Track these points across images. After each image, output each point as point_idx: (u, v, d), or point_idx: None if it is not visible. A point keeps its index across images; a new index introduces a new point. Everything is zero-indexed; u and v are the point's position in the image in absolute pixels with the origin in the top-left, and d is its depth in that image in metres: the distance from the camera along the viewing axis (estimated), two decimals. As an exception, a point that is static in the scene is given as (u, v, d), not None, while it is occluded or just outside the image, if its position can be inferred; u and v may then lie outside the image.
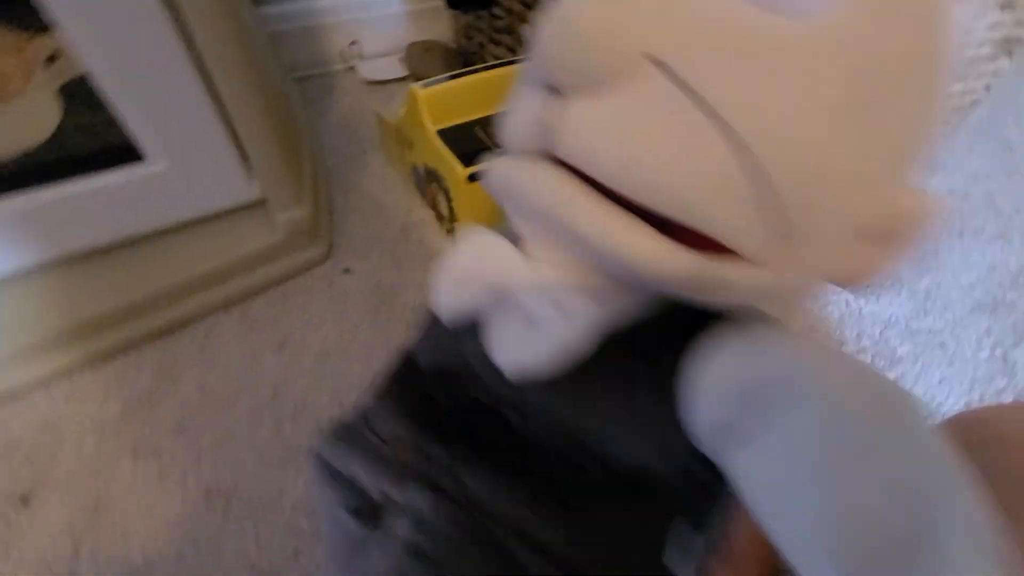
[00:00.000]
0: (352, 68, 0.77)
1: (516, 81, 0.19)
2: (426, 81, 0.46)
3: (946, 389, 0.43)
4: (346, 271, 0.50)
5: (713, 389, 0.17)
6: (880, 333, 0.47)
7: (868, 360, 0.45)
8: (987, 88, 0.64)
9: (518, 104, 0.18)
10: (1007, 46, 0.59)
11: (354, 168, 0.62)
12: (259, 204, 0.47)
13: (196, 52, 0.36)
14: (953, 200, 0.60)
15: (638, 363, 0.19)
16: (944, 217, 0.18)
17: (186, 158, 0.41)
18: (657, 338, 0.19)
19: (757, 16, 0.14)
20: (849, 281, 0.18)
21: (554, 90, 0.16)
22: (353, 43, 0.76)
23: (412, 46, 0.77)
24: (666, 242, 0.16)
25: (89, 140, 0.38)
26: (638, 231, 0.16)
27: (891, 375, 0.44)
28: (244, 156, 0.43)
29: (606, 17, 0.14)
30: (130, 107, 0.37)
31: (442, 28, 0.79)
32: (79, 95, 0.36)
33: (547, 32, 0.15)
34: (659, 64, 0.14)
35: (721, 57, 0.14)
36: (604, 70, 0.15)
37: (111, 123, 0.37)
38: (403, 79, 0.75)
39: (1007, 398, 0.43)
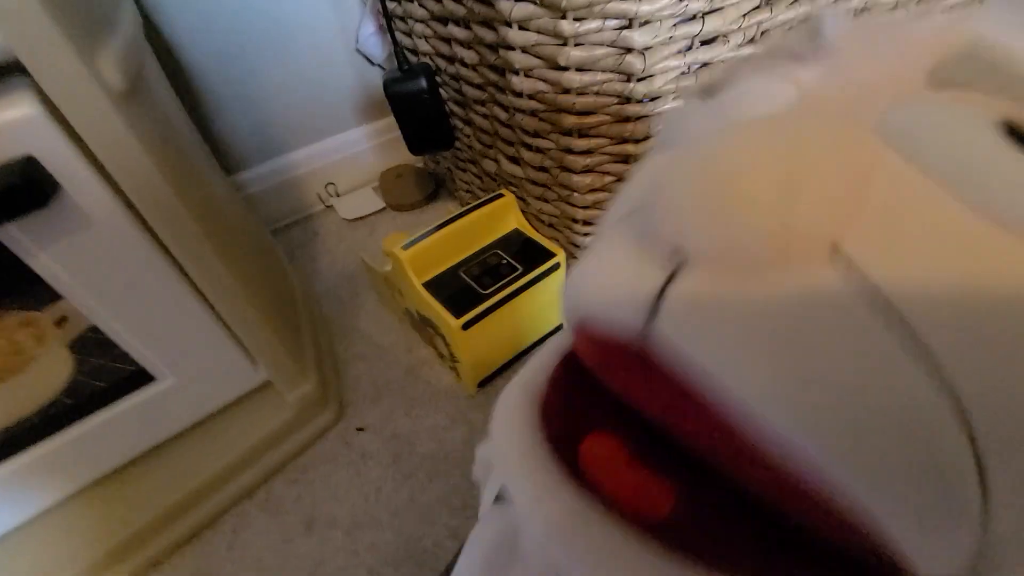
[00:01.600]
0: (331, 207, 0.80)
1: (611, 215, 0.15)
2: (407, 241, 0.48)
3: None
4: (360, 430, 0.51)
5: None
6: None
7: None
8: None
9: (611, 251, 0.13)
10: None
11: (350, 310, 0.64)
12: (266, 385, 0.48)
13: (180, 270, 0.38)
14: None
15: None
16: None
17: (191, 367, 0.43)
18: None
19: (991, 229, 0.10)
20: None
21: (675, 253, 0.11)
22: (329, 184, 0.80)
23: (385, 174, 0.82)
24: None
25: (103, 378, 0.40)
26: None
27: None
28: (243, 348, 0.45)
29: (794, 183, 0.10)
30: (136, 341, 0.39)
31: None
32: (88, 342, 0.38)
33: (702, 191, 0.11)
34: (847, 263, 0.10)
35: (942, 278, 0.10)
36: (771, 257, 0.10)
37: (121, 358, 0.39)
38: (381, 210, 0.78)
39: None
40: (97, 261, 0.34)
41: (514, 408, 0.14)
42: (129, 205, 0.33)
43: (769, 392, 0.10)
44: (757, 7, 0.37)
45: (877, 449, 0.09)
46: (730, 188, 0.10)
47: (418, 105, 0.53)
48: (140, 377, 0.41)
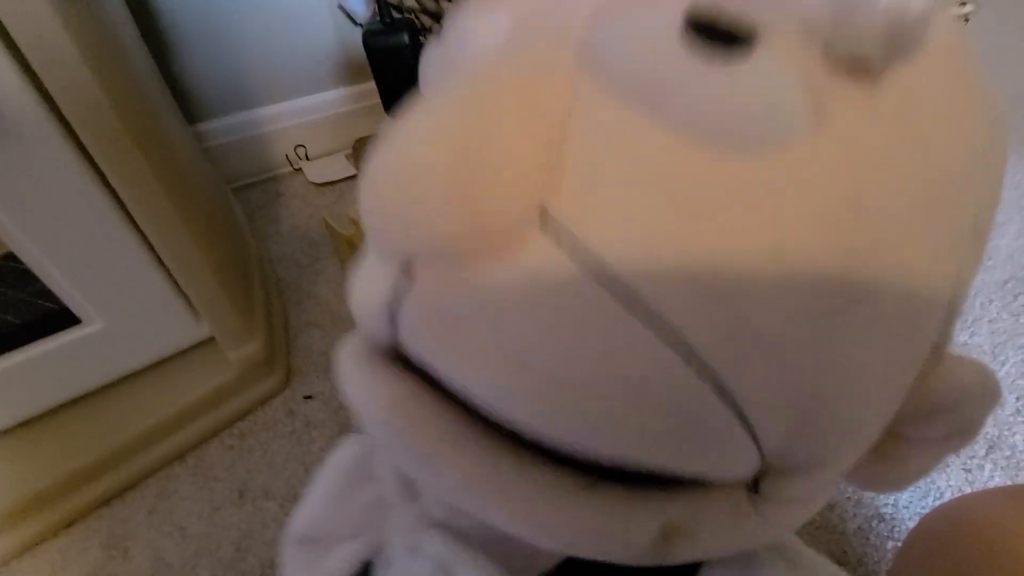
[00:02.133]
0: (299, 170, 0.77)
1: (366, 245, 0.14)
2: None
3: (922, 447, 0.44)
4: (307, 398, 0.48)
5: None
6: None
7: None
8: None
9: (363, 277, 0.12)
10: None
11: (308, 276, 0.61)
12: (209, 341, 0.45)
13: (120, 205, 0.34)
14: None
15: None
16: (999, 398, 0.13)
17: (124, 313, 0.39)
18: None
19: (706, 159, 0.09)
20: (885, 488, 0.14)
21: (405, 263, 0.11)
22: (299, 146, 0.76)
23: (359, 142, 0.78)
24: (608, 498, 0.11)
25: (20, 314, 0.36)
26: (566, 493, 0.11)
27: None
28: (186, 298, 0.41)
29: (472, 158, 0.09)
30: (59, 275, 0.35)
31: (386, 122, 0.81)
32: (4, 271, 0.35)
33: (378, 192, 0.09)
34: (556, 230, 0.09)
35: (653, 211, 0.09)
36: (467, 252, 0.09)
37: (42, 294, 0.35)
38: (351, 177, 0.75)
39: (981, 449, 0.43)
40: (18, 176, 0.30)
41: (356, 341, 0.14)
42: (61, 118, 0.30)
43: (514, 401, 0.10)
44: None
45: (639, 427, 0.09)
46: (405, 183, 0.09)
47: (398, 62, 0.51)
48: (63, 318, 0.37)
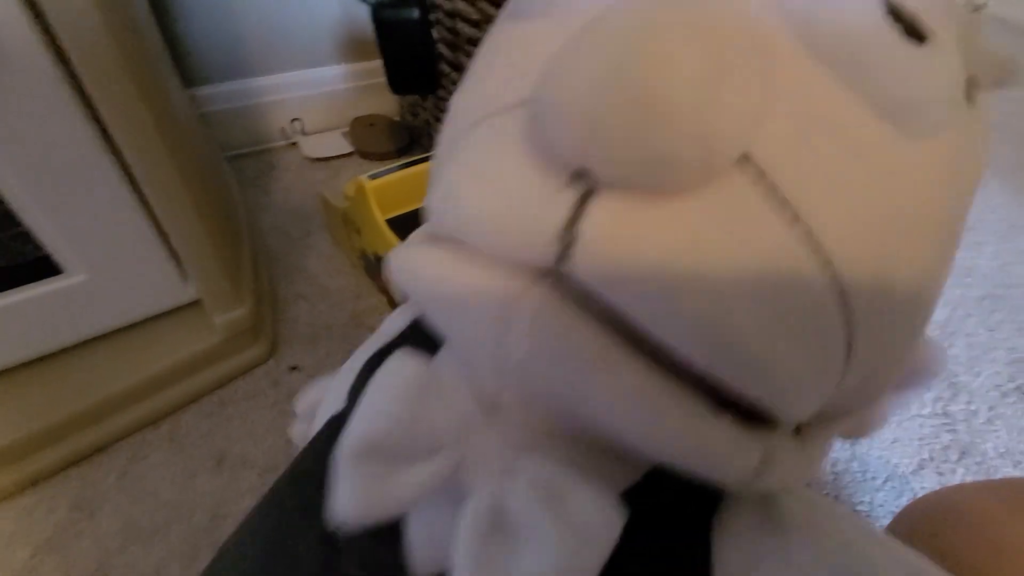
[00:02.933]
0: (294, 144, 0.75)
1: (479, 111, 0.13)
2: (374, 172, 0.45)
3: (899, 450, 0.45)
4: (293, 369, 0.47)
5: None
6: (832, 396, 0.48)
7: (825, 426, 0.46)
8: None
9: (505, 174, 0.11)
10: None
11: (299, 250, 0.60)
12: (194, 304, 0.43)
13: (115, 151, 0.33)
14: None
15: (625, 562, 0.13)
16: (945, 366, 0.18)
17: (109, 266, 0.38)
18: (639, 521, 0.13)
19: (879, 126, 0.11)
20: (857, 433, 0.17)
21: (581, 179, 0.10)
22: (295, 120, 0.75)
23: (357, 121, 0.77)
24: (725, 424, 0.11)
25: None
26: (694, 409, 0.11)
27: (848, 441, 0.45)
28: (175, 257, 0.40)
29: (707, 101, 0.09)
30: (45, 220, 0.34)
31: (387, 103, 0.80)
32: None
33: (611, 99, 0.09)
34: (757, 171, 0.10)
35: (837, 174, 0.10)
36: (690, 179, 0.10)
37: (22, 238, 0.34)
38: (348, 155, 0.74)
39: (953, 455, 0.45)
40: (8, 109, 0.29)
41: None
42: (59, 50, 0.29)
43: (693, 328, 0.10)
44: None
45: (788, 353, 0.10)
46: (647, 96, 0.09)
47: (407, 37, 0.50)
48: (44, 266, 0.36)
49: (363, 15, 0.73)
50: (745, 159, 0.10)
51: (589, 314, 0.11)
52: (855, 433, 0.16)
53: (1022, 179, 0.80)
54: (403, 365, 0.14)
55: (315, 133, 0.76)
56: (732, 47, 0.09)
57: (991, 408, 0.48)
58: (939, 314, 0.57)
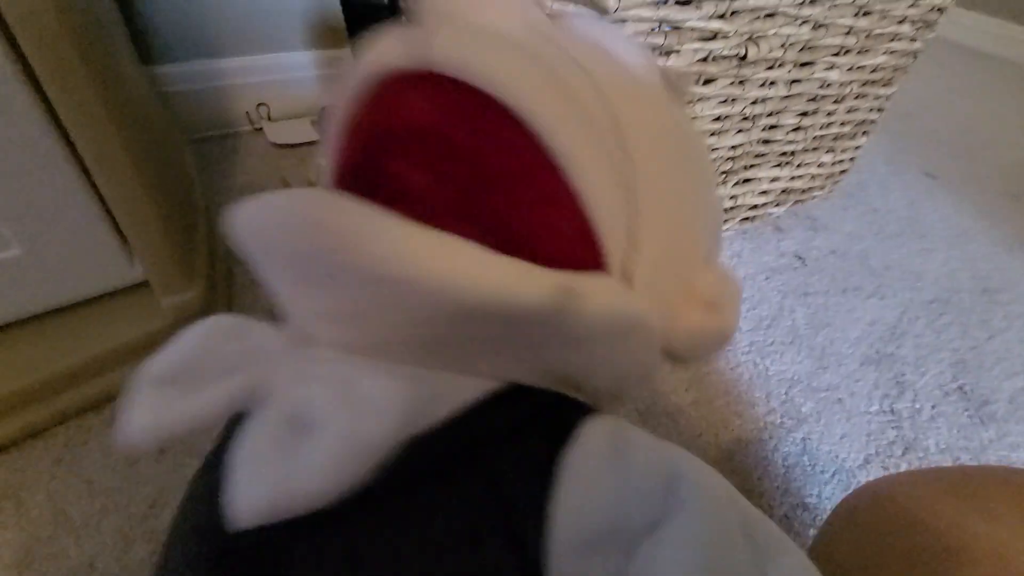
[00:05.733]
0: (260, 130, 0.73)
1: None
2: (335, 155, 0.44)
3: (847, 445, 0.46)
4: (246, 355, 0.46)
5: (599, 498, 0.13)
6: (786, 392, 0.50)
7: (778, 422, 0.47)
8: (852, 159, 0.73)
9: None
10: (863, 127, 0.68)
11: (260, 237, 0.58)
12: (143, 286, 0.42)
13: (56, 121, 0.32)
14: (836, 259, 0.66)
15: (467, 481, 0.13)
16: (742, 298, 0.20)
17: (47, 241, 0.36)
18: (484, 439, 0.14)
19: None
20: (680, 349, 0.19)
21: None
22: (261, 105, 0.73)
23: (326, 109, 0.76)
24: (510, 261, 0.13)
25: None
26: (469, 249, 0.13)
27: (799, 435, 0.46)
28: (121, 236, 0.38)
29: None
30: (-28, 188, 0.32)
31: (357, 92, 0.78)
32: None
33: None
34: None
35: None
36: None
37: (-54, 206, 0.32)
38: (314, 143, 0.72)
39: (898, 450, 0.46)
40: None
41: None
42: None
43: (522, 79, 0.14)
44: (732, -19, 0.37)
45: (584, 123, 0.15)
46: None
47: (375, 20, 0.50)
48: (-27, 238, 0.34)
49: (335, 2, 0.71)
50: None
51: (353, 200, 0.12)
52: (674, 349, 0.19)
53: (969, 190, 0.84)
54: (214, 318, 0.15)
55: (282, 119, 0.75)
56: None
57: (934, 406, 0.50)
58: (889, 316, 0.59)
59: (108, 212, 0.37)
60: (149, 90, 0.57)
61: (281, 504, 0.11)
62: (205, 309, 0.44)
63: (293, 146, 0.71)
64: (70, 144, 0.33)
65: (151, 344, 0.41)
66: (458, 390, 0.14)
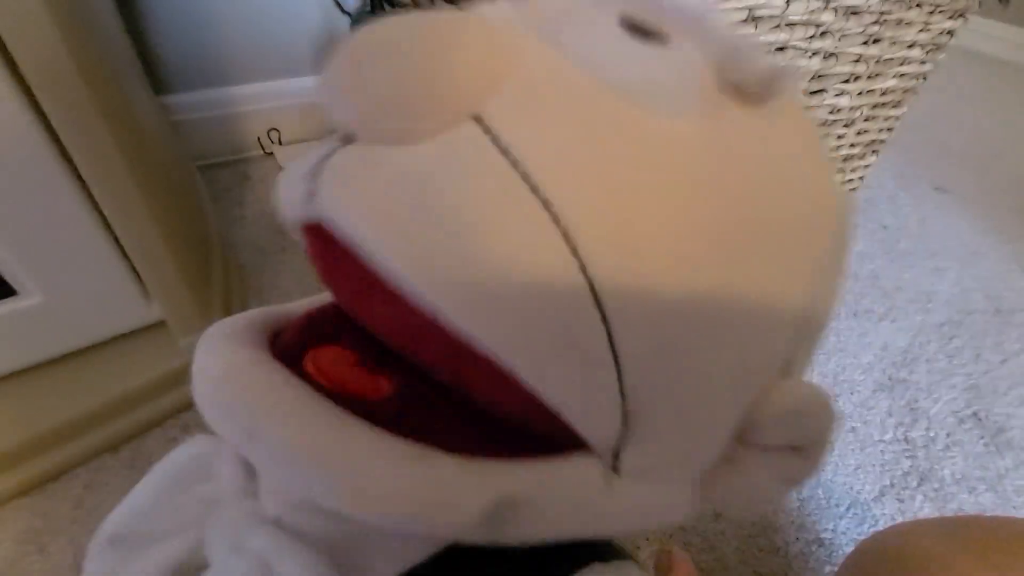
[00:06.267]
0: (270, 155, 0.74)
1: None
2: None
3: (861, 476, 0.46)
4: (261, 391, 0.46)
5: None
6: (799, 422, 0.49)
7: (791, 453, 0.47)
8: (861, 179, 0.72)
9: (295, 163, 0.13)
10: (872, 147, 0.68)
11: (272, 265, 0.59)
12: (160, 324, 0.42)
13: (71, 167, 0.32)
14: (846, 281, 0.66)
15: None
16: (839, 421, 0.16)
17: (65, 286, 0.36)
18: None
19: (623, 96, 0.11)
20: (736, 504, 0.14)
21: (347, 139, 0.12)
22: (272, 130, 0.73)
23: (335, 132, 0.76)
24: (432, 467, 0.11)
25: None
26: (382, 462, 0.11)
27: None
28: (137, 276, 0.39)
29: (433, 63, 0.11)
30: (-5, 241, 0.32)
31: (366, 115, 0.79)
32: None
33: (352, 62, 0.11)
34: (483, 123, 0.11)
35: (569, 132, 0.11)
36: (415, 126, 0.11)
37: (-30, 259, 0.32)
38: (325, 167, 0.73)
39: (913, 481, 0.46)
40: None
41: (231, 325, 0.14)
42: (7, 57, 0.27)
43: (414, 263, 0.10)
44: (744, 20, 0.37)
45: (523, 325, 0.10)
46: (378, 57, 0.11)
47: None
48: (-3, 288, 0.34)
49: (344, 26, 0.72)
50: (478, 119, 0.11)
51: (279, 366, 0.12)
52: (731, 503, 0.15)
53: (983, 205, 0.83)
54: (184, 449, 0.15)
55: (293, 144, 0.75)
56: (464, 38, 0.11)
57: (948, 435, 0.50)
58: (901, 340, 0.59)
59: (124, 255, 0.37)
60: (162, 123, 0.57)
61: None
62: (221, 346, 0.44)
63: (303, 171, 0.72)
64: (87, 192, 0.33)
65: (169, 384, 0.42)
66: (402, 549, 0.13)
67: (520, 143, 0.10)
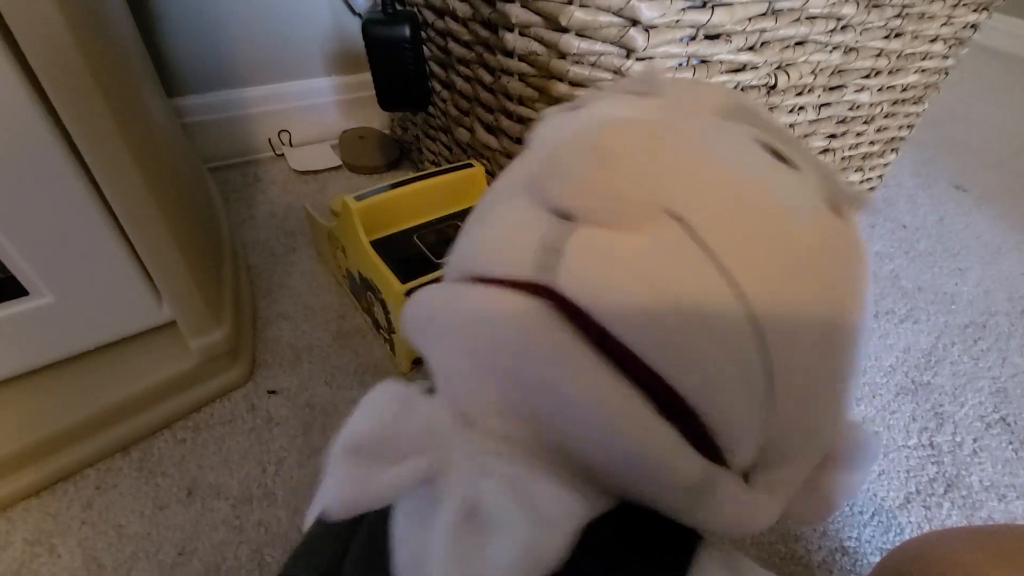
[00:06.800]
0: (281, 156, 0.74)
1: (498, 193, 0.17)
2: (360, 193, 0.44)
3: (886, 483, 0.44)
4: (271, 393, 0.46)
5: None
6: (819, 426, 0.48)
7: (812, 458, 0.46)
8: (880, 177, 0.71)
9: (511, 218, 0.15)
10: (892, 144, 0.66)
11: (282, 267, 0.58)
12: (170, 325, 0.42)
13: (83, 168, 0.32)
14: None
15: None
16: (879, 449, 0.20)
17: (77, 287, 0.36)
18: (611, 554, 0.15)
19: (781, 205, 0.15)
20: (809, 516, 0.17)
21: (561, 214, 0.14)
22: (283, 131, 0.73)
23: (346, 134, 0.76)
24: (674, 434, 0.13)
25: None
26: (649, 415, 0.13)
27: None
28: (148, 278, 0.39)
29: (636, 171, 0.14)
30: (8, 240, 0.32)
31: (377, 116, 0.79)
32: (-59, 230, 0.31)
33: (588, 162, 0.14)
34: (678, 219, 0.14)
35: (747, 231, 0.14)
36: (635, 217, 0.14)
37: (-18, 258, 0.32)
38: (336, 168, 0.73)
39: (939, 488, 0.44)
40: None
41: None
42: (21, 59, 0.27)
43: (641, 324, 0.13)
44: (763, 14, 0.36)
45: (710, 362, 0.13)
46: (612, 163, 0.14)
47: (397, 55, 0.50)
48: (8, 288, 0.34)
49: (355, 27, 0.72)
50: (679, 217, 0.14)
51: (568, 326, 0.14)
52: (803, 515, 0.18)
53: (1004, 204, 0.81)
54: (389, 387, 0.16)
55: (303, 145, 0.75)
56: (666, 141, 0.15)
57: (976, 440, 0.48)
58: (923, 342, 0.57)
59: (135, 256, 0.37)
60: (174, 125, 0.57)
61: None
62: (233, 347, 0.44)
63: (314, 172, 0.72)
64: (99, 193, 0.33)
65: (178, 386, 0.42)
66: (592, 499, 0.15)
67: (714, 239, 0.14)
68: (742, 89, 0.42)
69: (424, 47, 0.53)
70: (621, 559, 0.14)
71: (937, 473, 0.46)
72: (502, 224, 0.16)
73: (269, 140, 0.73)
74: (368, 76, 0.56)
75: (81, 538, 0.36)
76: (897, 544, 0.34)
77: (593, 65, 0.35)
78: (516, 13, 0.37)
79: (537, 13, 0.36)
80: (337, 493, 0.14)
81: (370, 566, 0.15)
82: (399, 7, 0.54)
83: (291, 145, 0.74)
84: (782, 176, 0.16)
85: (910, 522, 0.42)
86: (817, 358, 0.15)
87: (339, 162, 0.73)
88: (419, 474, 0.14)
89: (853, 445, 0.17)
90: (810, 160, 0.17)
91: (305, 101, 0.74)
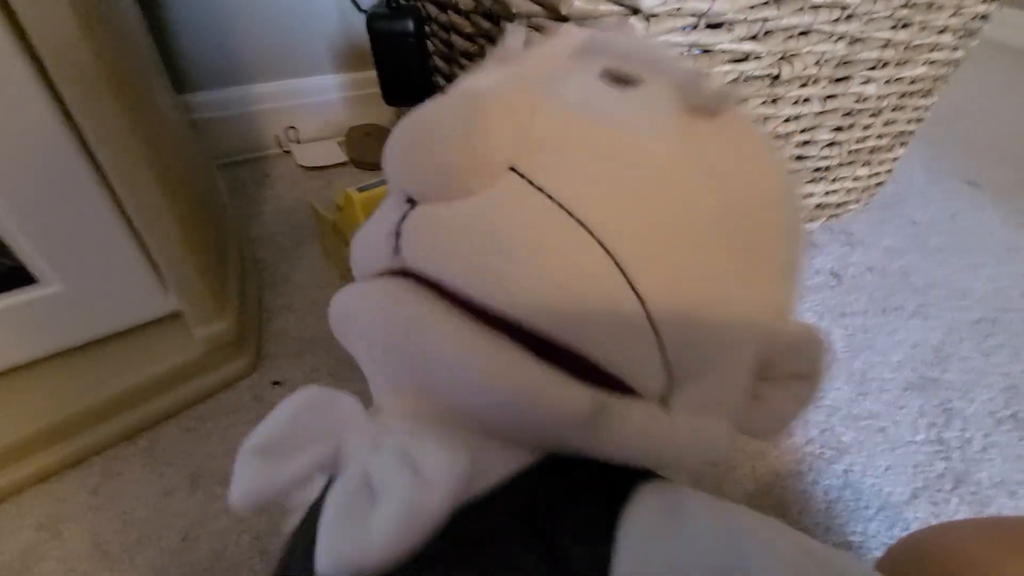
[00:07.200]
0: (288, 152, 0.75)
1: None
2: (363, 185, 0.44)
3: (892, 478, 0.44)
4: (276, 384, 0.46)
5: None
6: (825, 420, 0.48)
7: (818, 452, 0.45)
8: (889, 171, 0.70)
9: (378, 214, 0.17)
10: (901, 138, 0.65)
11: (289, 260, 0.59)
12: (176, 315, 0.42)
13: (92, 159, 0.32)
14: (874, 277, 0.64)
15: (524, 543, 0.14)
16: (831, 351, 0.19)
17: (86, 277, 0.37)
18: (539, 503, 0.15)
19: (618, 132, 0.15)
20: (763, 430, 0.18)
21: (408, 198, 0.15)
22: (290, 128, 0.74)
23: (353, 130, 0.77)
24: (551, 371, 0.14)
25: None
26: (518, 355, 0.13)
27: (841, 467, 0.44)
28: (155, 268, 0.39)
29: (467, 131, 0.14)
30: (18, 229, 0.33)
31: (383, 112, 0.79)
32: (-47, 218, 0.32)
33: (403, 143, 0.15)
34: (518, 172, 0.14)
35: (585, 166, 0.15)
36: (464, 184, 0.14)
37: (-8, 246, 0.33)
38: (342, 164, 0.73)
39: (948, 484, 0.44)
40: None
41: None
42: (32, 53, 0.28)
43: (496, 291, 0.14)
44: (766, 2, 0.36)
45: (585, 319, 0.14)
46: (422, 135, 0.14)
47: (401, 49, 0.50)
48: (18, 276, 0.35)
49: (361, 25, 0.72)
50: (514, 169, 0.14)
51: (428, 295, 0.14)
52: (756, 429, 0.18)
53: (1016, 199, 0.80)
54: (301, 392, 0.17)
55: (310, 141, 0.76)
56: (487, 107, 0.14)
57: (986, 435, 0.47)
58: (933, 338, 0.56)
59: (143, 246, 0.37)
60: (182, 120, 0.58)
61: (353, 566, 0.12)
62: (238, 338, 0.44)
63: (321, 168, 0.72)
64: (108, 184, 0.34)
65: (183, 375, 0.42)
66: (511, 455, 0.15)
67: (552, 182, 0.14)
68: (745, 80, 0.42)
69: (428, 41, 0.53)
70: (551, 505, 0.15)
71: (946, 469, 0.45)
72: (370, 222, 0.17)
73: (276, 137, 0.74)
74: (374, 73, 0.57)
75: (88, 523, 0.36)
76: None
77: (594, 54, 0.35)
78: (516, 3, 0.37)
79: (537, 3, 0.36)
80: (241, 486, 0.14)
81: (305, 552, 0.15)
82: (403, 2, 0.55)
83: (298, 142, 0.75)
84: (620, 101, 0.16)
85: (917, 517, 0.42)
86: (681, 259, 0.15)
87: (346, 158, 0.73)
88: (322, 460, 0.14)
89: (794, 349, 0.17)
90: (666, 71, 0.17)
91: (312, 98, 0.74)
